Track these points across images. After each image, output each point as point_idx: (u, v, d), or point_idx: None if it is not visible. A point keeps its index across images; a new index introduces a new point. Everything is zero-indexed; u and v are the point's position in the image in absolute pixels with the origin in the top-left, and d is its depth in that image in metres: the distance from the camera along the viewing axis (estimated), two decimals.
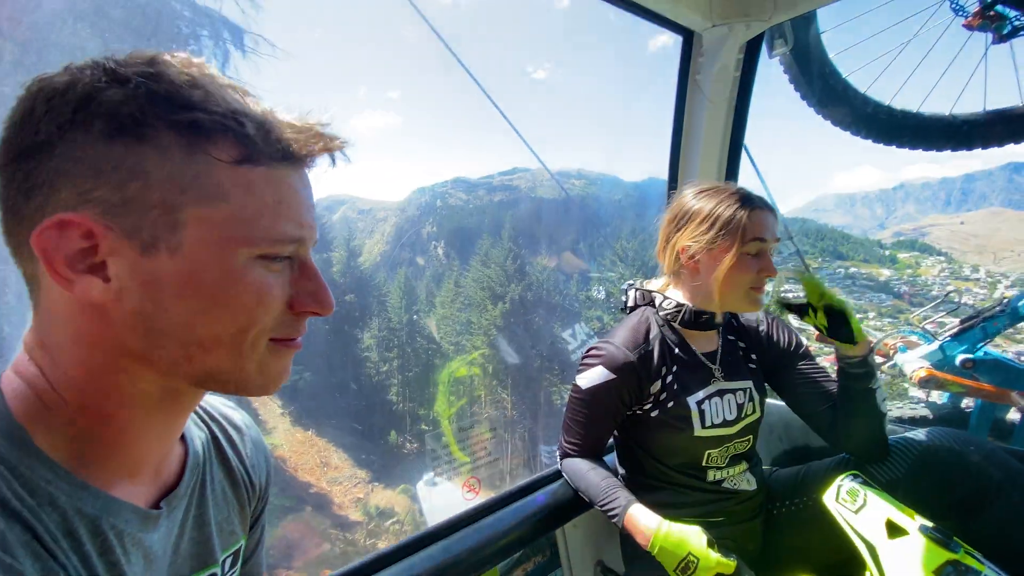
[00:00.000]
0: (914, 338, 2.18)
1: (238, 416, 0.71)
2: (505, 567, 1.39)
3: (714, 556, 1.02)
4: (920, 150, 1.92)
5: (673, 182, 1.89)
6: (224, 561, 0.62)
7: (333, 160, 0.52)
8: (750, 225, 1.14)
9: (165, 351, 0.46)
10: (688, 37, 1.72)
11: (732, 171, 1.87)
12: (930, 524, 0.95)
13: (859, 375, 1.17)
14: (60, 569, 0.41)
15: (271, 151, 0.47)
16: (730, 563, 1.02)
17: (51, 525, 0.42)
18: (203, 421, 0.66)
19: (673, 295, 1.27)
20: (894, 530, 0.97)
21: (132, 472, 0.51)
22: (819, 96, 1.84)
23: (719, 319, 1.27)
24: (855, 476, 1.09)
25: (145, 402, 0.49)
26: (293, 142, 0.48)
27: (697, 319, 1.23)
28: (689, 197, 1.23)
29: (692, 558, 1.03)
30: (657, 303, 1.28)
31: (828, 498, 1.08)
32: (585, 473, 1.26)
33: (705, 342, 1.29)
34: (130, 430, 0.49)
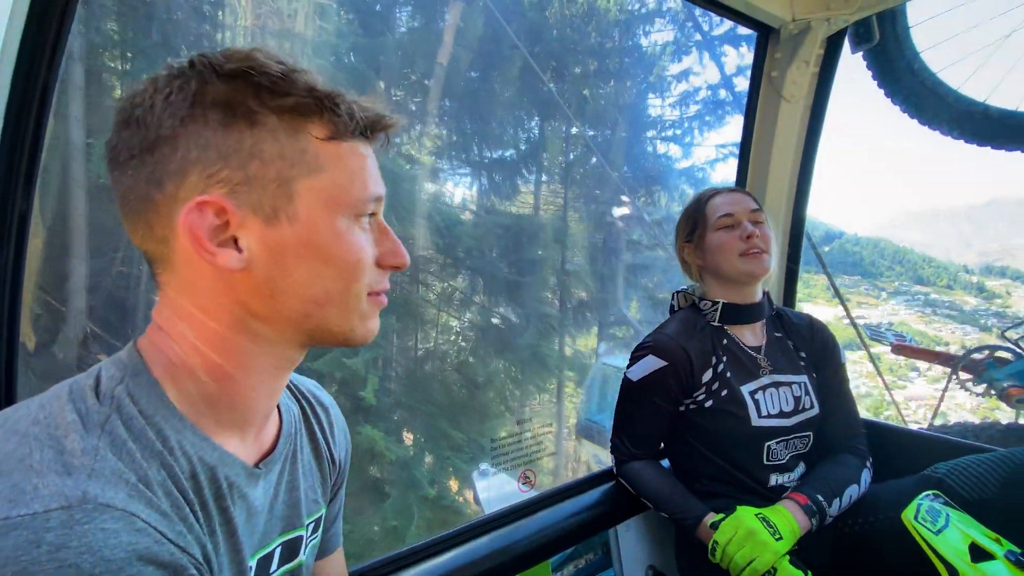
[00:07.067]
0: (1006, 354, 2.02)
1: (325, 396, 0.77)
2: (557, 561, 1.40)
3: (792, 568, 1.01)
4: (1020, 151, 1.77)
5: (742, 186, 1.84)
6: (308, 525, 0.67)
7: (389, 139, 0.60)
8: (712, 207, 1.31)
9: (287, 310, 0.52)
10: (765, 32, 1.67)
11: (806, 172, 1.79)
12: (1018, 550, 0.91)
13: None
14: (186, 505, 0.47)
15: (352, 128, 0.54)
16: None
17: (181, 468, 0.48)
18: (296, 397, 0.71)
19: (708, 297, 1.34)
20: (978, 554, 0.92)
21: (241, 429, 0.56)
22: (907, 93, 1.72)
23: (757, 304, 1.31)
24: (936, 495, 1.04)
25: (259, 362, 0.54)
26: (365, 120, 0.55)
27: (735, 313, 1.30)
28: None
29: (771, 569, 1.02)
30: (699, 304, 1.34)
31: (907, 517, 1.03)
32: (650, 480, 1.26)
33: (751, 337, 1.33)
34: (245, 389, 0.54)
